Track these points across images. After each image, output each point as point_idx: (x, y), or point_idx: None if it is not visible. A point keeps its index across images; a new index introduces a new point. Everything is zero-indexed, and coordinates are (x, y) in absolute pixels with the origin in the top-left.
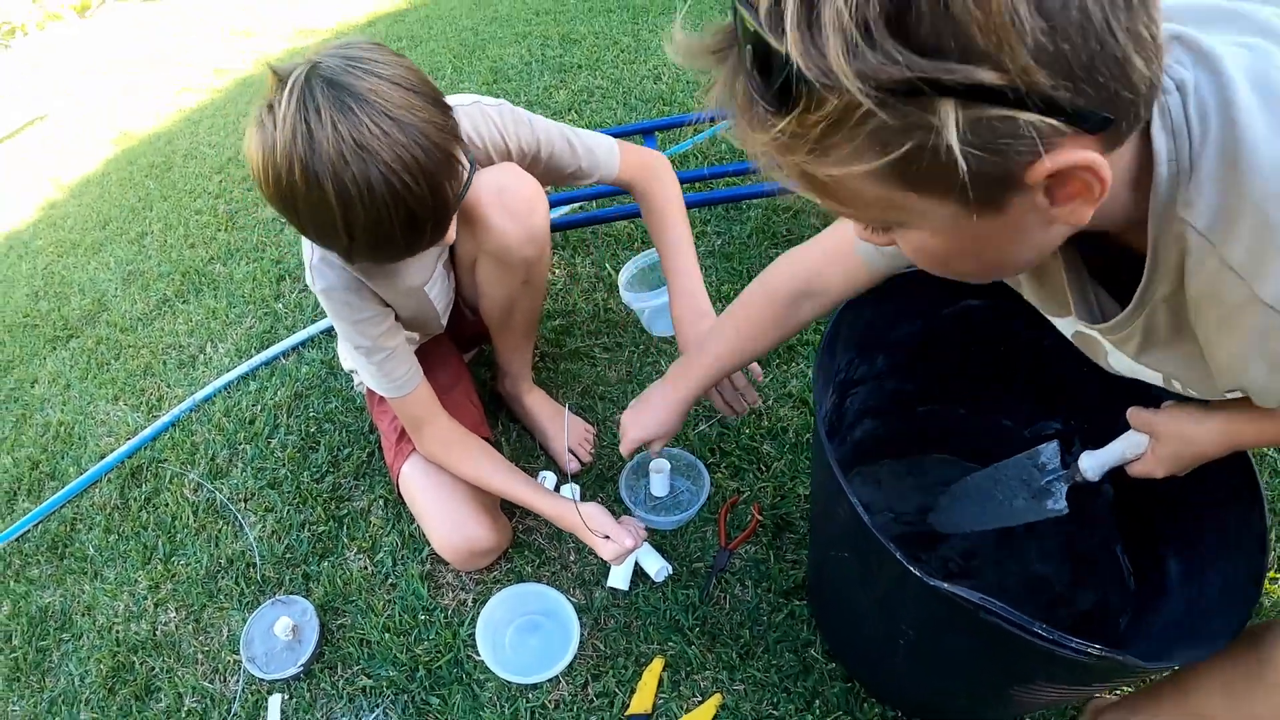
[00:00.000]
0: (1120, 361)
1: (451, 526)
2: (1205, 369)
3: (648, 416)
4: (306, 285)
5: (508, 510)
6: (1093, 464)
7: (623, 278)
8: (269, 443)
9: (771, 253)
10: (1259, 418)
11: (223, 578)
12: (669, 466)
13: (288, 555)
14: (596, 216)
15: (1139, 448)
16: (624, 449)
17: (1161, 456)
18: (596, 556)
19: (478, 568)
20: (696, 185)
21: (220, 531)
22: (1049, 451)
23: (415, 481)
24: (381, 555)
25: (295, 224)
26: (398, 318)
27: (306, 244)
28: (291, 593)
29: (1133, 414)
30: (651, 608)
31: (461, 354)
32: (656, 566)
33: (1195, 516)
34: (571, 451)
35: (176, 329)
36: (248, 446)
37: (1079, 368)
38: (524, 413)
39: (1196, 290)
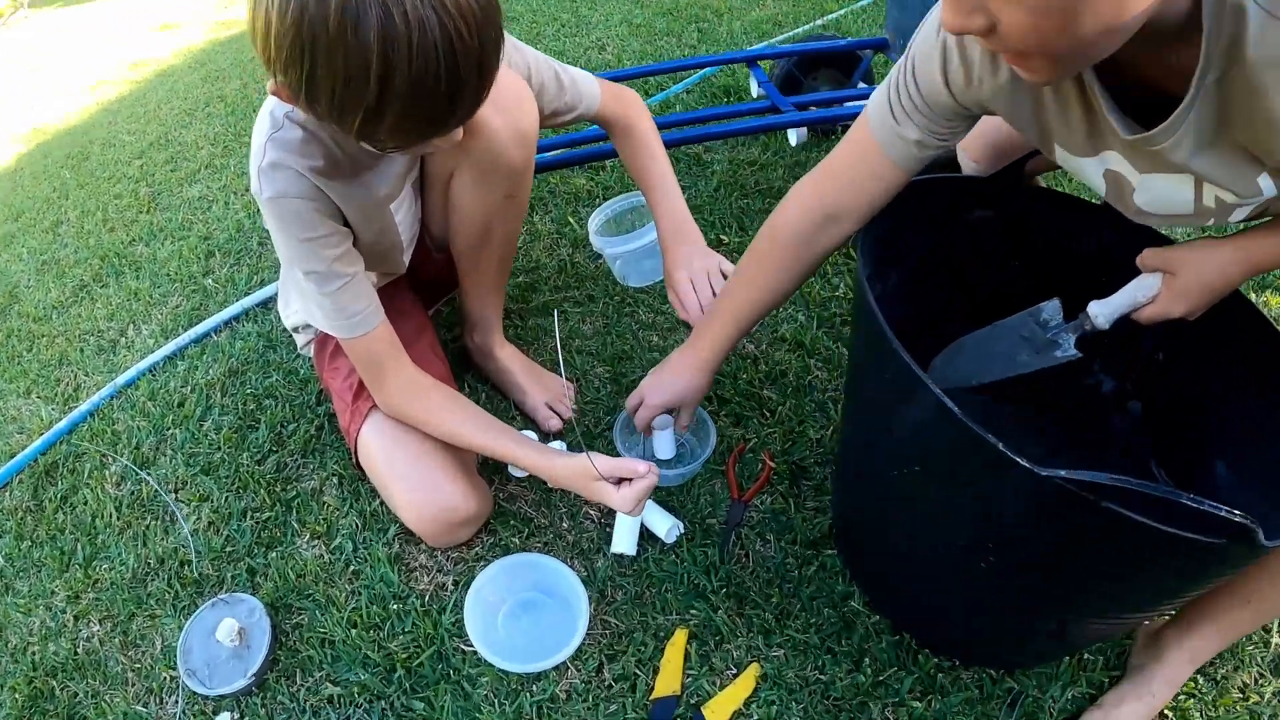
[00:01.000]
0: (1149, 191)
1: (423, 493)
2: (1247, 165)
3: (671, 379)
4: (242, 250)
5: (485, 477)
6: (1104, 310)
7: (593, 224)
8: (201, 425)
9: (741, 204)
10: (1276, 234)
11: (152, 581)
12: (673, 421)
13: (228, 549)
14: (571, 157)
15: (1151, 290)
16: (643, 416)
17: (1178, 290)
18: (596, 519)
19: (456, 542)
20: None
21: (148, 528)
22: (1050, 309)
23: (377, 444)
24: (339, 540)
25: (303, 82)
26: (356, 245)
27: (256, 145)
28: (235, 591)
29: (1146, 254)
30: (665, 573)
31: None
32: (666, 526)
33: (1237, 412)
34: (550, 407)
35: (95, 314)
36: (177, 431)
37: (1099, 277)
38: (496, 369)
39: (1260, 58)
